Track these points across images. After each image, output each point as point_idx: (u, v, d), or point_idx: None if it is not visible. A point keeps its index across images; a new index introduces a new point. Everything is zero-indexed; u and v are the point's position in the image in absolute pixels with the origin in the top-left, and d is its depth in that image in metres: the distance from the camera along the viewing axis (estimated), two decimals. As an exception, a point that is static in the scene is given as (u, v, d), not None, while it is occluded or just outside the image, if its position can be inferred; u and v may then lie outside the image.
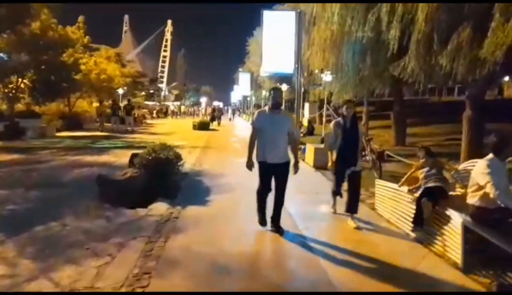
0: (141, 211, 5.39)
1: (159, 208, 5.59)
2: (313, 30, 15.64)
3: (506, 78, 23.65)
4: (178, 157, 7.43)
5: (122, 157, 10.21)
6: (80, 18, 21.33)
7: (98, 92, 26.76)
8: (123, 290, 3.09)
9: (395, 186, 5.27)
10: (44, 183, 7.00)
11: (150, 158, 6.50)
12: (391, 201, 5.24)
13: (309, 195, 6.71)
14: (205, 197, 6.28)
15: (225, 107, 63.95)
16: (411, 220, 4.58)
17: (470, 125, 9.02)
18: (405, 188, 5.01)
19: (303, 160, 10.81)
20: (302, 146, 13.05)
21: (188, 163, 9.96)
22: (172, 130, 22.40)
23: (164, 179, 6.43)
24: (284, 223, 4.86)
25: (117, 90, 34.52)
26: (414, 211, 4.51)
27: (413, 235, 4.56)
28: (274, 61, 13.99)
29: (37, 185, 6.86)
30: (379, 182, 5.67)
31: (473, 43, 7.96)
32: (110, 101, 24.61)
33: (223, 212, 5.49)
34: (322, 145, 10.13)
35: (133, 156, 7.53)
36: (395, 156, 9.73)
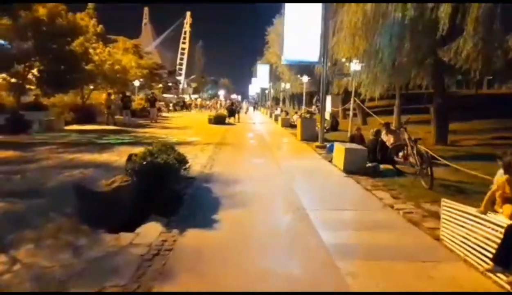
0: (126, 237, 4.08)
1: (150, 231, 4.27)
2: (340, 13, 13.98)
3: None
4: (182, 161, 6.11)
5: (125, 155, 8.88)
6: (90, 5, 20.24)
7: (112, 83, 25.88)
8: None
9: (472, 210, 3.75)
10: (19, 190, 5.80)
11: (145, 163, 5.19)
12: (468, 230, 3.73)
13: (349, 214, 5.24)
14: (212, 214, 4.91)
15: (243, 101, 62.47)
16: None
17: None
18: (493, 215, 3.50)
19: (330, 161, 9.33)
20: (328, 144, 11.55)
21: (198, 163, 8.68)
22: (187, 124, 21.20)
23: (161, 190, 5.12)
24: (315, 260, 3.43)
25: (133, 82, 33.73)
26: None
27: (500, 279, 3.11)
28: (297, 49, 12.47)
29: (10, 192, 5.67)
30: (447, 203, 4.15)
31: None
32: (118, 94, 23.41)
33: (235, 240, 4.10)
34: (354, 146, 8.59)
35: (130, 157, 6.23)
36: (440, 159, 8.09)
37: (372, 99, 16.73)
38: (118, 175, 5.38)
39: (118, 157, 9.37)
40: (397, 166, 8.14)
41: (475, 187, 6.49)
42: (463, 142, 11.79)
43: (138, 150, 6.91)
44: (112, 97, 25.37)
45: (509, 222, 3.25)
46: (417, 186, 6.63)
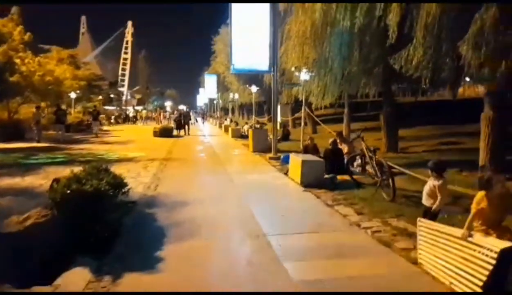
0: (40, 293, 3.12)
1: (74, 281, 3.35)
2: (288, 23, 13.78)
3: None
4: (119, 184, 5.19)
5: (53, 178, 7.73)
6: (14, 10, 18.24)
7: (43, 96, 23.53)
8: None
9: (454, 231, 3.34)
10: None
11: (69, 191, 4.22)
12: (451, 254, 3.30)
13: (315, 237, 4.66)
14: (155, 251, 4.07)
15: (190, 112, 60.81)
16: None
17: (492, 128, 7.39)
18: (481, 238, 3.10)
19: (286, 173, 8.83)
20: (282, 155, 11.09)
21: (141, 184, 7.72)
22: (130, 138, 19.73)
23: (91, 224, 4.17)
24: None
25: (69, 94, 31.24)
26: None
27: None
28: (246, 58, 11.95)
29: None
30: (424, 224, 3.73)
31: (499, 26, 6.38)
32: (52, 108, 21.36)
33: (183, 286, 3.32)
34: (310, 157, 8.16)
35: (53, 184, 5.16)
36: (397, 167, 7.92)
37: (319, 108, 16.79)
38: (40, 206, 4.37)
39: (44, 180, 8.04)
40: (354, 177, 7.84)
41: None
42: (412, 149, 11.98)
43: (71, 170, 5.89)
44: (46, 111, 23.14)
45: (501, 245, 2.85)
46: (379, 198, 6.30)
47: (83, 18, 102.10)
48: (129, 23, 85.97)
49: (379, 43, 9.61)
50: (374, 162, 6.60)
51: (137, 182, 7.92)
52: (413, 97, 32.26)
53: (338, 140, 9.15)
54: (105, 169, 5.45)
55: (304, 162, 7.63)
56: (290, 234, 4.62)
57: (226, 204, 6.08)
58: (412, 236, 4.48)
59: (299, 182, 7.68)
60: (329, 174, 7.87)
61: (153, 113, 48.40)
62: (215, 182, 8.13)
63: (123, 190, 5.66)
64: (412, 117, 17.40)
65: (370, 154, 6.86)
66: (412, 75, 8.42)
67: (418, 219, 3.85)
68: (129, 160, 11.49)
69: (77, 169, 5.66)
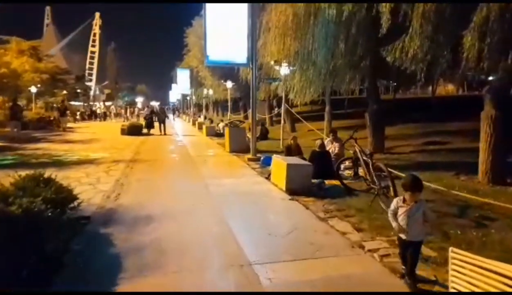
0: None
1: None
2: (268, 11, 12.82)
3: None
4: (64, 200, 4.09)
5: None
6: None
7: (-1, 90, 21.56)
8: None
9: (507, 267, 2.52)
10: None
11: (-14, 215, 3.10)
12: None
13: (314, 266, 3.74)
14: (105, 291, 3.03)
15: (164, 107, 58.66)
16: None
17: (494, 128, 6.76)
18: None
19: (267, 178, 7.91)
20: (262, 157, 10.17)
21: (100, 192, 6.59)
22: (95, 137, 18.21)
23: (20, 259, 3.08)
24: None
25: (29, 88, 29.02)
26: None
27: None
28: (222, 49, 10.86)
29: None
30: (459, 255, 2.88)
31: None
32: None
33: None
34: (296, 160, 7.27)
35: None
36: (393, 171, 7.16)
37: (295, 105, 16.00)
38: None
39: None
40: (344, 181, 7.02)
41: (440, 206, 5.57)
42: (398, 149, 11.38)
43: (18, 173, 4.72)
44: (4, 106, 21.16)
45: None
46: (377, 209, 5.48)
47: (48, 9, 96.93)
48: (97, 14, 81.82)
49: (367, 34, 8.87)
50: (371, 167, 5.77)
51: (96, 190, 6.78)
52: (387, 95, 32.25)
53: (330, 139, 8.34)
54: (47, 179, 4.31)
55: (289, 166, 6.73)
56: (281, 261, 3.69)
57: (200, 219, 5.07)
58: (428, 260, 3.69)
59: (283, 188, 6.78)
60: (315, 179, 7.04)
61: (121, 110, 45.99)
62: (188, 189, 7.08)
63: (72, 205, 4.61)
64: (394, 115, 16.91)
65: (366, 158, 6.03)
66: (406, 69, 7.73)
67: (452, 248, 3.00)
68: (90, 161, 10.21)
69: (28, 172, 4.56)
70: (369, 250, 4.01)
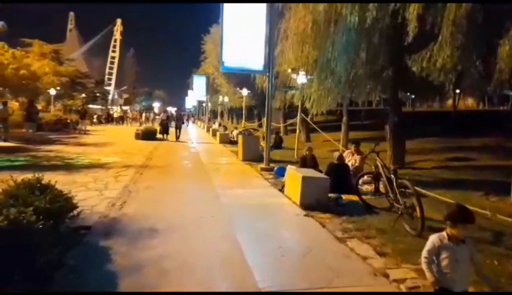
0: None
1: None
2: (286, 18, 12.54)
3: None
4: (60, 209, 3.78)
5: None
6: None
7: (17, 91, 21.79)
8: None
9: None
10: None
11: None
12: None
13: None
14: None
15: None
16: None
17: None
18: None
19: (280, 190, 7.51)
20: (275, 167, 9.78)
21: (106, 199, 6.31)
22: (108, 140, 18.17)
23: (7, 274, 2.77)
24: None
25: (48, 90, 29.47)
26: None
27: None
28: (238, 56, 10.60)
29: None
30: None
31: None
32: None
33: None
34: (311, 173, 6.85)
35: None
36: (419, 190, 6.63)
37: (311, 115, 15.54)
38: None
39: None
40: (363, 197, 6.55)
41: (471, 231, 5.04)
42: (419, 164, 10.80)
43: (26, 176, 4.49)
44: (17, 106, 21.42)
45: None
46: (400, 231, 5.02)
47: (71, 15, 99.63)
48: (118, 21, 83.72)
49: (390, 43, 8.44)
50: (394, 184, 5.31)
51: (101, 196, 6.50)
52: (404, 107, 31.43)
53: (351, 151, 7.92)
54: (44, 186, 4.02)
55: (305, 179, 6.31)
56: (295, 290, 3.27)
57: (208, 234, 4.70)
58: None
59: (297, 202, 6.36)
60: (332, 193, 6.61)
61: (136, 114, 46.23)
62: (198, 199, 6.74)
63: (71, 214, 4.31)
64: (413, 128, 16.29)
65: (389, 174, 5.57)
66: (431, 80, 7.26)
67: None
68: (101, 166, 10.00)
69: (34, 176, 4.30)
70: (395, 280, 3.56)
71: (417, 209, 4.82)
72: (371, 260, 4.05)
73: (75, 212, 4.42)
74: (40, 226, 3.18)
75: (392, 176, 5.45)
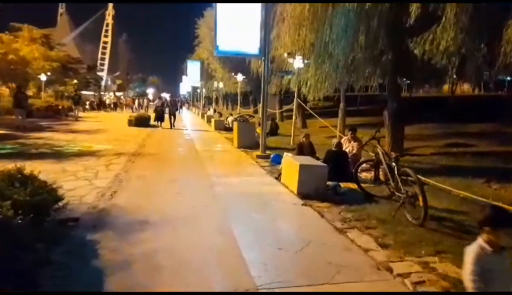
0: None
1: None
2: (282, 3, 12.15)
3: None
4: (44, 203, 3.54)
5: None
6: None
7: (7, 76, 21.21)
8: None
9: None
10: None
11: None
12: None
13: None
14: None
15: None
16: None
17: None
18: None
19: (277, 178, 7.31)
20: (272, 155, 9.56)
21: (96, 188, 6.08)
22: (101, 127, 17.82)
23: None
24: None
25: (39, 76, 28.79)
26: None
27: None
28: (233, 39, 10.23)
29: None
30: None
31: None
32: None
33: None
34: (309, 160, 6.64)
35: None
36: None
37: (306, 101, 15.25)
38: None
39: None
40: (362, 185, 6.36)
41: (473, 219, 4.88)
42: (418, 150, 10.63)
43: (14, 164, 4.25)
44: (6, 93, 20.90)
45: None
46: (402, 221, 4.84)
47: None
48: (110, 5, 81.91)
49: (390, 25, 8.13)
50: (396, 173, 5.11)
51: (91, 186, 6.26)
52: (403, 92, 31.13)
53: (348, 137, 7.71)
54: (25, 177, 3.76)
55: (302, 167, 6.11)
56: (294, 287, 3.08)
57: (202, 227, 4.49)
58: None
59: (295, 191, 6.16)
60: (331, 181, 6.41)
61: (128, 100, 45.15)
62: (191, 188, 6.51)
63: (56, 206, 4.07)
64: (411, 113, 16.09)
65: (390, 162, 5.36)
66: (432, 64, 7.01)
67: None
68: (92, 153, 9.72)
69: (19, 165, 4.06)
70: (399, 275, 3.38)
71: (420, 198, 4.63)
72: (373, 253, 3.87)
73: (60, 204, 4.18)
74: (19, 221, 2.94)
75: (394, 163, 5.24)
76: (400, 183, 5.05)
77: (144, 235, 4.09)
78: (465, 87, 37.78)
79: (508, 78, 33.48)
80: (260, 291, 2.96)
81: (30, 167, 7.25)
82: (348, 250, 3.97)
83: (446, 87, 34.58)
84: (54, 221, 4.06)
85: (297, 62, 11.40)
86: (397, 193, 5.19)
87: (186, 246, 3.85)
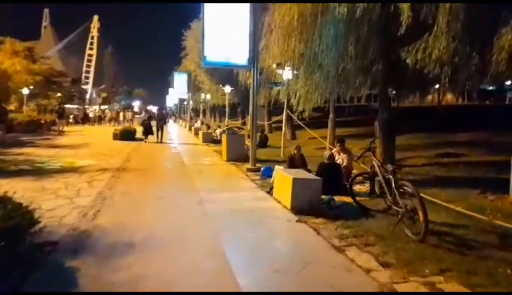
0: None
1: None
2: (270, 14, 12.08)
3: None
4: (17, 228, 3.21)
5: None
6: None
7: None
8: None
9: None
10: None
11: None
12: None
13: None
14: None
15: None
16: None
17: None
18: None
19: (268, 192, 7.05)
20: (262, 168, 9.31)
21: (77, 207, 5.72)
22: (84, 141, 17.30)
23: None
24: None
25: (21, 90, 28.08)
26: None
27: None
28: (221, 50, 10.03)
29: None
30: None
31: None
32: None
33: None
34: (302, 174, 6.41)
35: None
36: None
37: (294, 111, 15.11)
38: None
39: None
40: (357, 198, 6.15)
41: (475, 234, 4.72)
42: (409, 161, 10.54)
43: None
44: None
45: None
46: (401, 236, 4.62)
47: (46, 11, 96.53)
48: (95, 17, 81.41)
49: (381, 34, 8.07)
50: (393, 186, 4.91)
51: (72, 205, 5.89)
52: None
53: (337, 149, 7.52)
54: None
55: (295, 181, 5.86)
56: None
57: (191, 249, 4.18)
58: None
59: (288, 205, 5.91)
60: (324, 194, 6.18)
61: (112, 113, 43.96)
62: (179, 205, 6.19)
63: (33, 229, 3.74)
64: (399, 124, 16.12)
65: (387, 175, 5.17)
66: (423, 74, 6.94)
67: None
68: (74, 170, 9.29)
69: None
70: (406, 298, 3.14)
71: (420, 212, 4.43)
72: (375, 273, 3.63)
73: (37, 228, 3.83)
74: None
75: (391, 176, 5.04)
76: (398, 196, 4.85)
77: (128, 260, 3.76)
78: (449, 97, 38.48)
79: (491, 88, 34.23)
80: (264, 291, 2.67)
81: (8, 185, 6.99)
82: (349, 270, 3.72)
83: (430, 97, 35.17)
84: (31, 245, 3.71)
85: (286, 73, 11.27)
86: (394, 207, 4.99)
87: (174, 272, 3.54)
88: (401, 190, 4.90)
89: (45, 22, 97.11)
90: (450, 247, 4.30)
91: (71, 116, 35.18)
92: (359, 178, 6.74)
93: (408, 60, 6.51)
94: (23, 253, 3.50)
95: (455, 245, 4.39)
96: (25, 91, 27.97)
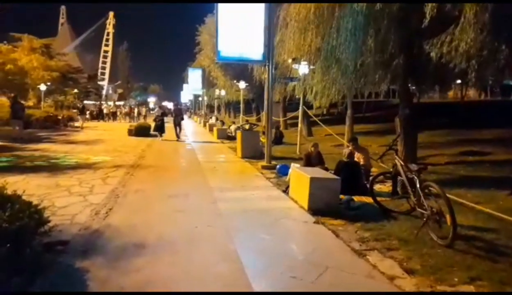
0: None
1: None
2: (285, 8, 11.81)
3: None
4: (25, 229, 3.10)
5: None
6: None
7: (4, 87, 20.89)
8: None
9: None
10: None
11: None
12: None
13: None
14: None
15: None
16: None
17: None
18: None
19: (284, 191, 6.84)
20: (278, 165, 9.11)
21: (90, 205, 5.64)
22: (100, 137, 17.40)
23: None
24: None
25: (38, 86, 28.51)
26: None
27: None
28: (235, 44, 9.83)
29: None
30: None
31: None
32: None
33: None
34: (319, 172, 6.17)
35: None
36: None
37: (310, 107, 14.83)
38: None
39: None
40: (378, 199, 5.87)
41: (508, 240, 4.40)
42: (431, 159, 10.13)
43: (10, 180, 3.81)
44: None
45: None
46: (426, 240, 4.35)
47: (63, 8, 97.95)
48: (111, 14, 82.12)
49: (401, 27, 7.70)
50: (418, 187, 4.63)
51: (85, 203, 5.81)
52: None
53: (352, 149, 7.25)
54: (6, 198, 3.32)
55: (313, 180, 5.63)
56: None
57: (205, 251, 4.02)
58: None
59: (305, 206, 5.69)
60: (343, 194, 5.94)
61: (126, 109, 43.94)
62: (193, 205, 6.03)
63: (42, 229, 3.63)
64: (421, 120, 15.64)
65: (411, 175, 4.88)
66: (446, 68, 6.58)
67: None
68: (89, 166, 9.28)
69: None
70: (435, 311, 2.90)
71: (447, 215, 4.14)
72: (399, 281, 3.39)
73: (46, 227, 3.72)
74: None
75: (415, 176, 4.76)
76: (423, 198, 4.57)
77: (139, 262, 3.62)
78: (471, 93, 37.33)
79: (514, 82, 32.98)
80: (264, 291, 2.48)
81: (23, 181, 6.98)
82: (371, 277, 3.49)
83: (451, 93, 34.13)
84: (38, 247, 3.61)
85: (302, 68, 11.00)
86: (418, 209, 4.71)
87: (186, 276, 3.38)
88: (426, 191, 4.62)
89: (62, 19, 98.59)
90: (480, 253, 4.01)
91: (88, 112, 35.63)
92: (380, 178, 6.45)
93: (433, 54, 6.17)
94: (32, 254, 3.40)
95: (486, 251, 4.09)
96: (43, 87, 28.39)
